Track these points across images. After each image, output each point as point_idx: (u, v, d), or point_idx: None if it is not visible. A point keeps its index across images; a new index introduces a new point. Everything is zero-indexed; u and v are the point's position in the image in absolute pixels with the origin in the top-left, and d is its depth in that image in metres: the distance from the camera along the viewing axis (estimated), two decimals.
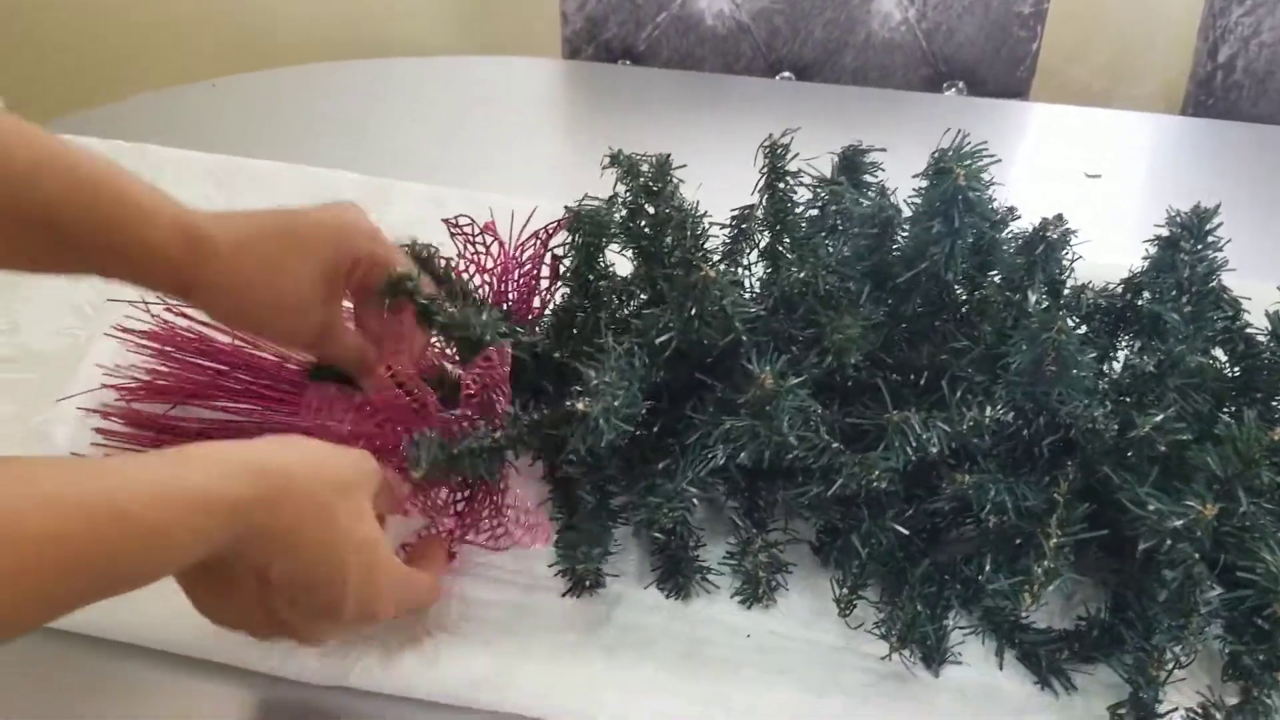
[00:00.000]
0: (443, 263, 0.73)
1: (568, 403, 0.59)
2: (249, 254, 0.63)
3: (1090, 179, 1.08)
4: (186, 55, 1.90)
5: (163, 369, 0.80)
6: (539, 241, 0.76)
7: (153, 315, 0.82)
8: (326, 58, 1.37)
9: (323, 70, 1.31)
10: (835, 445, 0.60)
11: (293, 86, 1.26)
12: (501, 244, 0.77)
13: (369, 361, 0.70)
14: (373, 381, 0.70)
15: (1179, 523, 0.56)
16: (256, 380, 0.79)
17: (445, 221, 0.76)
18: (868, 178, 0.73)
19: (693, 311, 0.61)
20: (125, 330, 0.82)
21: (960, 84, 1.37)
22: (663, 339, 0.63)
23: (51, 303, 0.89)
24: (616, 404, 0.58)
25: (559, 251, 0.75)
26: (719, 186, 0.74)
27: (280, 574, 0.51)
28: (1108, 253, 0.75)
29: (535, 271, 0.77)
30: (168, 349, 0.81)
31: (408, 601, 0.59)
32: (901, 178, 0.71)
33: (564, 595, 0.66)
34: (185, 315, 0.84)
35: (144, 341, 0.81)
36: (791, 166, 0.73)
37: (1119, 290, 0.74)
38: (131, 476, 0.45)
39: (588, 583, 0.66)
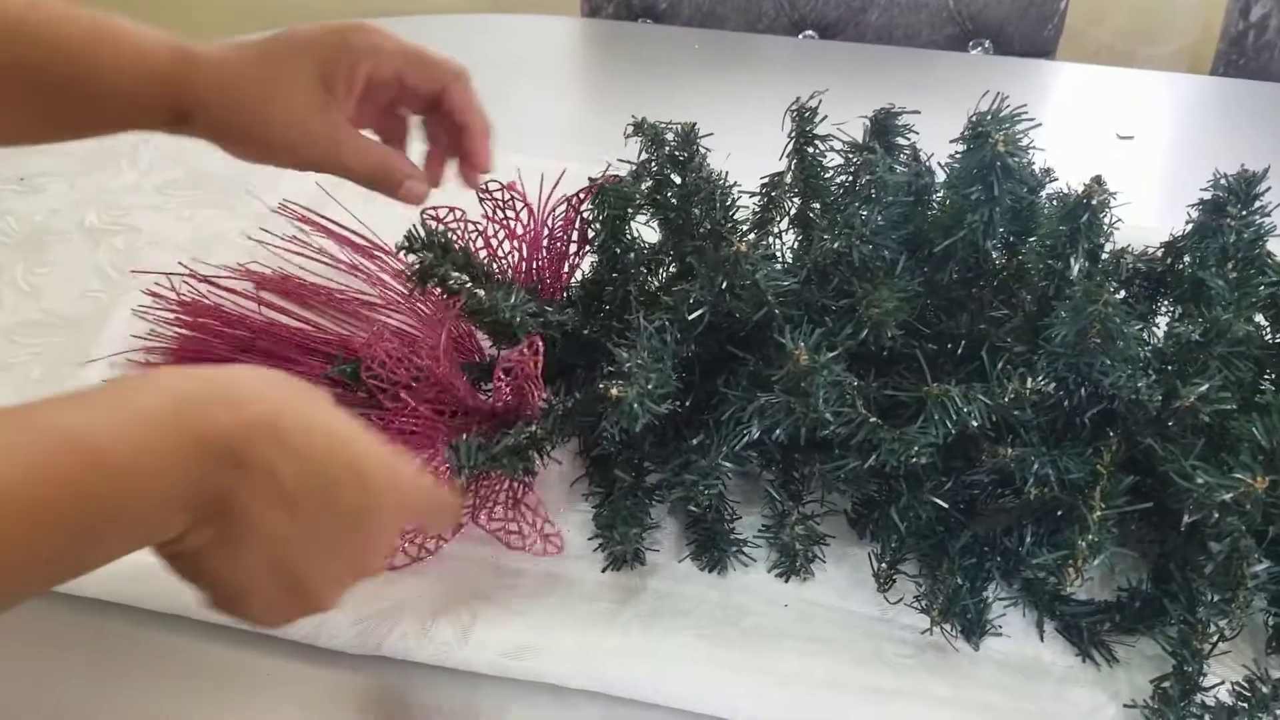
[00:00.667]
0: (460, 245, 0.72)
1: (600, 385, 0.58)
2: (240, 65, 0.61)
3: (1123, 140, 1.07)
4: (201, 15, 1.88)
5: (185, 334, 0.80)
6: (569, 206, 0.75)
7: (174, 283, 0.82)
8: (342, 17, 1.35)
9: None
10: (873, 420, 0.59)
11: None
12: (531, 210, 0.76)
13: (394, 172, 0.66)
14: (403, 193, 0.67)
15: (1228, 496, 0.55)
16: (278, 349, 0.78)
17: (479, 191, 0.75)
18: (899, 140, 0.71)
19: (724, 286, 0.60)
20: (151, 293, 0.81)
21: (987, 43, 1.35)
22: (695, 315, 0.62)
23: (74, 266, 0.89)
24: (650, 386, 0.57)
25: (588, 216, 0.74)
26: (742, 147, 0.72)
27: (296, 478, 0.44)
28: (1140, 215, 0.74)
29: (565, 237, 0.76)
30: (190, 316, 0.81)
31: (430, 496, 0.52)
32: (929, 138, 0.69)
33: (604, 570, 0.66)
34: (207, 281, 0.83)
35: (167, 309, 0.81)
36: (820, 130, 0.71)
37: (1158, 254, 0.72)
38: (89, 410, 0.41)
39: (627, 557, 0.65)
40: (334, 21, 0.63)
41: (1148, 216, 0.80)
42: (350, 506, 0.46)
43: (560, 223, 0.75)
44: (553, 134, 1.12)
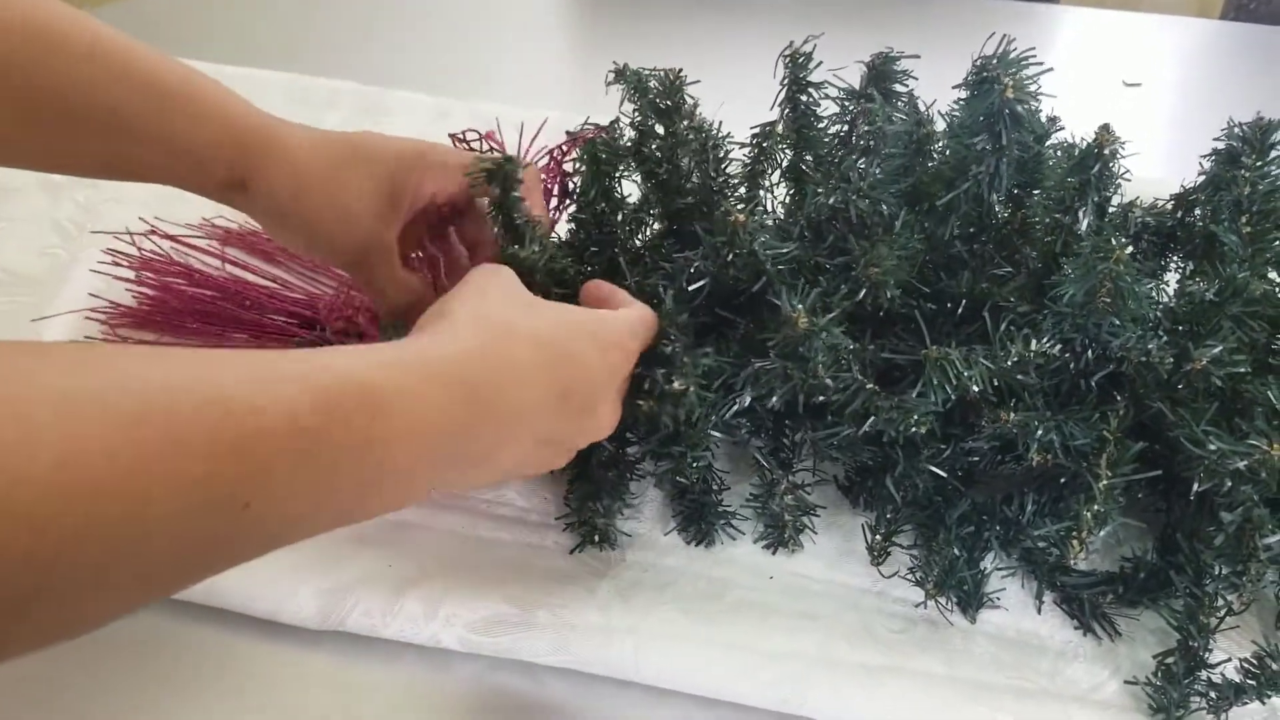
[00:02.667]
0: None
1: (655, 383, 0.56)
2: (315, 156, 0.60)
3: (1129, 87, 1.02)
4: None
5: (148, 293, 0.76)
6: (552, 159, 0.71)
7: (135, 240, 0.78)
8: None
9: None
10: (870, 386, 0.56)
11: None
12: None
13: (421, 302, 0.65)
14: None
15: (1242, 463, 0.52)
16: (245, 308, 0.74)
17: (451, 136, 0.71)
18: (898, 88, 0.67)
19: (729, 258, 0.56)
20: (110, 252, 0.78)
21: None
22: (696, 286, 0.58)
23: (33, 222, 0.85)
24: (700, 373, 0.55)
25: (569, 169, 0.70)
26: (735, 96, 0.68)
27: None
28: (1148, 166, 0.70)
29: (550, 189, 0.72)
30: (152, 274, 0.77)
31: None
32: (928, 86, 0.65)
33: (570, 552, 0.63)
34: (171, 239, 0.80)
35: (128, 267, 0.77)
36: (816, 76, 0.67)
37: (1168, 208, 0.69)
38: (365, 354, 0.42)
39: (597, 538, 0.62)
40: (411, 139, 0.64)
41: (1155, 167, 0.76)
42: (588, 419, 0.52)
43: (544, 177, 0.72)
44: (538, 81, 1.08)
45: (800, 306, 0.53)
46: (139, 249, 0.78)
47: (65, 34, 0.53)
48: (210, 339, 0.74)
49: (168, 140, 0.56)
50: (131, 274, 0.77)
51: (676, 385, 0.54)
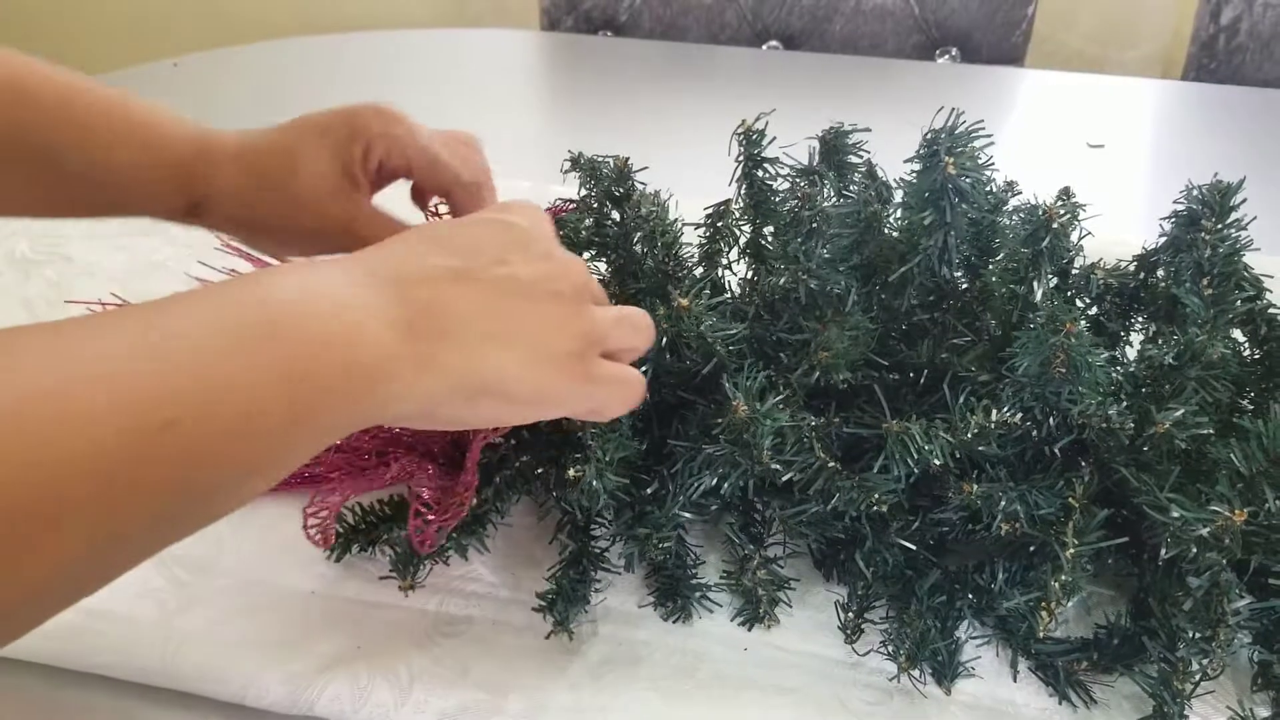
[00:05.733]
0: None
1: (561, 470, 0.56)
2: (259, 155, 0.60)
3: (1093, 149, 1.04)
4: (148, 33, 1.84)
5: None
6: None
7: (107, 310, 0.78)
8: (294, 33, 1.32)
9: (290, 46, 1.26)
10: (831, 465, 0.56)
11: (259, 63, 1.22)
12: None
13: None
14: None
15: (1205, 530, 0.52)
16: None
17: (427, 210, 0.71)
18: (852, 159, 0.68)
19: (663, 342, 0.57)
20: None
21: (954, 51, 1.32)
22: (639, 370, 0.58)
23: (3, 299, 0.85)
24: (608, 457, 0.54)
25: None
26: (705, 164, 0.69)
27: (455, 252, 0.45)
28: (1113, 226, 0.71)
29: None
30: None
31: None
32: (894, 153, 0.66)
33: (547, 637, 0.62)
34: None
35: None
36: (776, 145, 0.68)
37: (1132, 269, 0.70)
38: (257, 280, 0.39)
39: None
40: (346, 105, 0.62)
41: (1126, 227, 0.77)
42: (504, 239, 0.47)
43: None
44: (511, 151, 1.08)
45: (740, 395, 0.53)
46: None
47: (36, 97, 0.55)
48: None
49: (115, 181, 0.58)
50: None
51: (571, 473, 0.54)
